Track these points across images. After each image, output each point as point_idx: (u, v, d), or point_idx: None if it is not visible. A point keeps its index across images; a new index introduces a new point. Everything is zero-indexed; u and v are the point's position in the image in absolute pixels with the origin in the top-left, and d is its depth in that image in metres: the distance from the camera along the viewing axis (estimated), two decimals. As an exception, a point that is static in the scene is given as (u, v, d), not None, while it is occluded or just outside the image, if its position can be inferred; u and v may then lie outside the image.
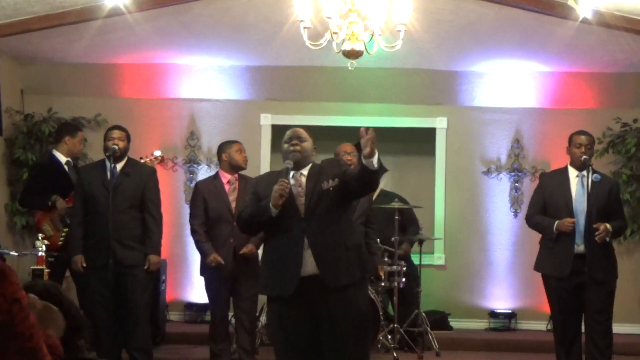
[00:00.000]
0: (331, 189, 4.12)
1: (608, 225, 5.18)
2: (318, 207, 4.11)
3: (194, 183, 7.45)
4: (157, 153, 6.65)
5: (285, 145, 4.24)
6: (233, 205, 5.93)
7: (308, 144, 4.25)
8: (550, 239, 5.39)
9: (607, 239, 5.25)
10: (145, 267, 5.58)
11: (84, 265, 5.58)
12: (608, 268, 5.33)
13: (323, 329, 4.08)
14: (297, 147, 4.19)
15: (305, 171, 4.23)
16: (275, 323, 4.21)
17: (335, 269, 4.07)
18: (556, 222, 5.31)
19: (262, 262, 4.36)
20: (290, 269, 4.07)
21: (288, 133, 4.30)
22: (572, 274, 5.25)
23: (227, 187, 6.00)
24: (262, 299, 6.65)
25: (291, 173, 4.19)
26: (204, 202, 5.95)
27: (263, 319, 6.88)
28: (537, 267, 5.55)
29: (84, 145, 7.71)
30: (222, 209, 5.93)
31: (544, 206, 5.48)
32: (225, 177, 6.04)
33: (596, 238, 5.15)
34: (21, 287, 1.99)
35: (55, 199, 5.95)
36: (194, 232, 5.99)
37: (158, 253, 5.70)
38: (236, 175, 6.05)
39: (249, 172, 6.47)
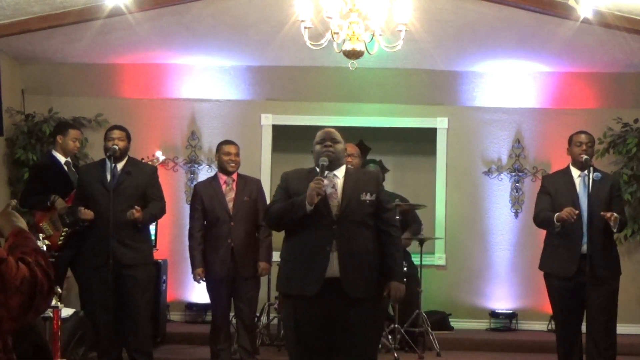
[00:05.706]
0: (368, 201, 4.17)
1: (615, 214, 5.16)
2: (353, 214, 4.13)
3: (194, 183, 7.45)
4: (159, 155, 6.59)
5: (318, 147, 4.23)
6: (230, 205, 5.93)
7: (341, 145, 4.27)
8: (555, 236, 5.32)
9: (614, 230, 5.23)
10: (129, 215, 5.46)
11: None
12: (610, 267, 5.31)
13: (338, 332, 4.11)
14: (331, 149, 4.20)
15: (338, 173, 4.24)
16: (291, 320, 4.20)
17: (356, 277, 4.09)
18: (556, 214, 5.25)
19: (283, 259, 4.32)
20: (316, 270, 4.08)
21: (320, 134, 4.27)
22: (576, 273, 5.22)
23: (224, 187, 5.99)
24: (263, 299, 6.68)
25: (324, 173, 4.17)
26: (201, 203, 5.95)
27: (264, 319, 6.89)
28: (542, 265, 5.53)
29: (84, 144, 7.76)
30: (219, 210, 5.91)
31: (551, 205, 5.40)
32: (222, 177, 6.04)
33: (611, 222, 5.12)
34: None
35: (55, 198, 5.92)
36: (190, 237, 5.98)
37: (147, 217, 5.59)
38: (234, 176, 6.05)
39: (250, 172, 6.48)
